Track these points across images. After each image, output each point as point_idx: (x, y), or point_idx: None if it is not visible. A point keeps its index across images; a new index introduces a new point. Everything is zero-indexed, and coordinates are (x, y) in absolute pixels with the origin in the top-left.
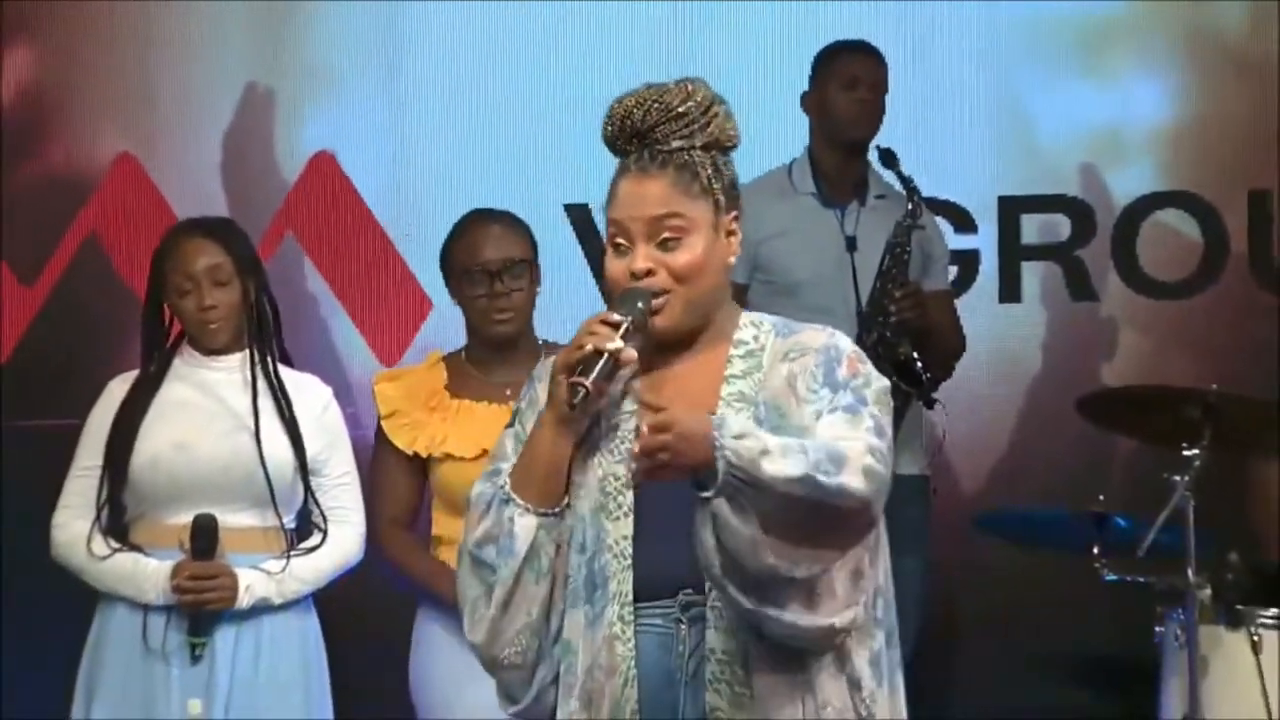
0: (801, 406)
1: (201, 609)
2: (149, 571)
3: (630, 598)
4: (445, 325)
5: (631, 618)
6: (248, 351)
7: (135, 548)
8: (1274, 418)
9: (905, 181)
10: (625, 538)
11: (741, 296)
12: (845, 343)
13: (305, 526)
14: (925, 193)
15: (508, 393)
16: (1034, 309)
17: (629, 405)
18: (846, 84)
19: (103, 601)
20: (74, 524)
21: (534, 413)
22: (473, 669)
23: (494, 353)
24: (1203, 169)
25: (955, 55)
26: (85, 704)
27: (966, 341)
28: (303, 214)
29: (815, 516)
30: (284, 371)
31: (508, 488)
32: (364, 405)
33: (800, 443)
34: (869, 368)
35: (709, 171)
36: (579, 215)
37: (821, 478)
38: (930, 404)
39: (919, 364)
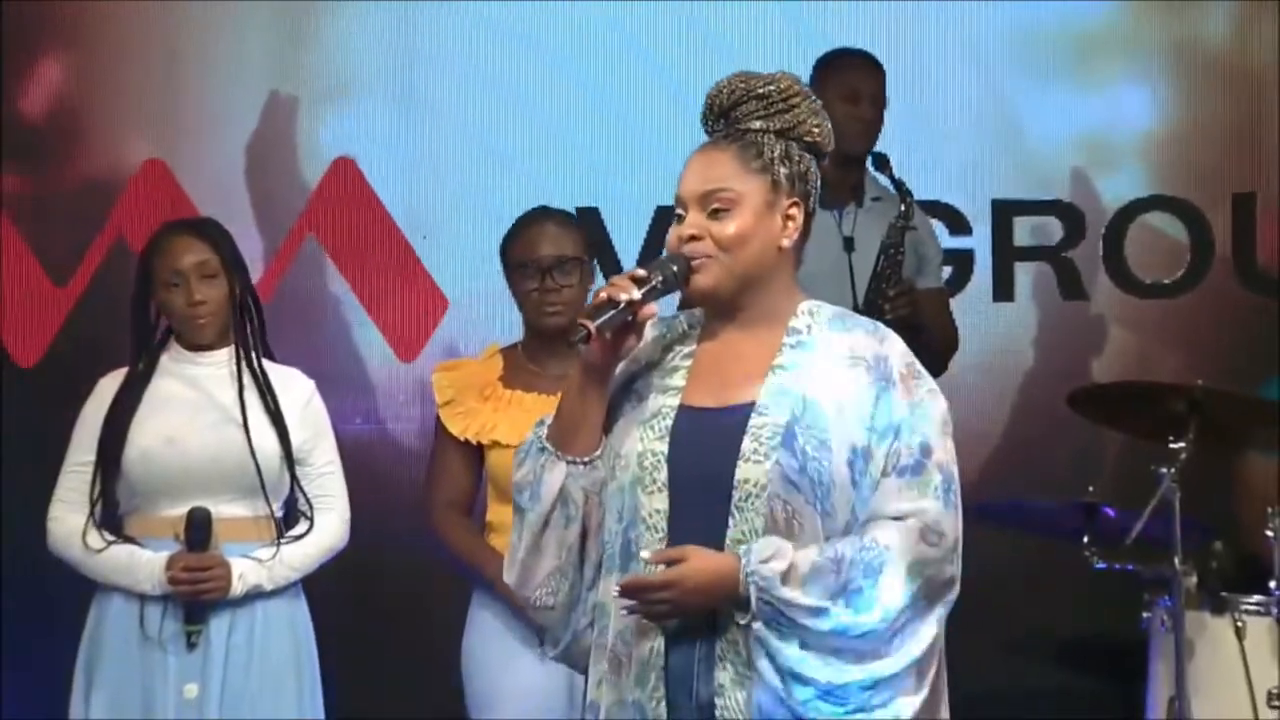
0: (850, 425)
1: (197, 598)
2: (144, 562)
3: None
4: (462, 323)
5: None
6: (233, 347)
7: (130, 540)
8: (1257, 412)
9: (898, 185)
10: (659, 511)
11: None
12: (895, 352)
13: (291, 515)
14: (922, 196)
15: (558, 384)
16: (1026, 308)
17: (678, 382)
18: (848, 97)
19: (99, 593)
20: (69, 518)
21: None
22: (520, 654)
23: (546, 345)
24: (1189, 174)
25: (951, 64)
26: (84, 692)
27: (960, 338)
28: (324, 217)
29: (850, 638)
30: (268, 366)
31: (543, 436)
32: (383, 401)
33: (835, 558)
34: (922, 386)
35: (775, 153)
36: (590, 219)
37: (844, 613)
38: None
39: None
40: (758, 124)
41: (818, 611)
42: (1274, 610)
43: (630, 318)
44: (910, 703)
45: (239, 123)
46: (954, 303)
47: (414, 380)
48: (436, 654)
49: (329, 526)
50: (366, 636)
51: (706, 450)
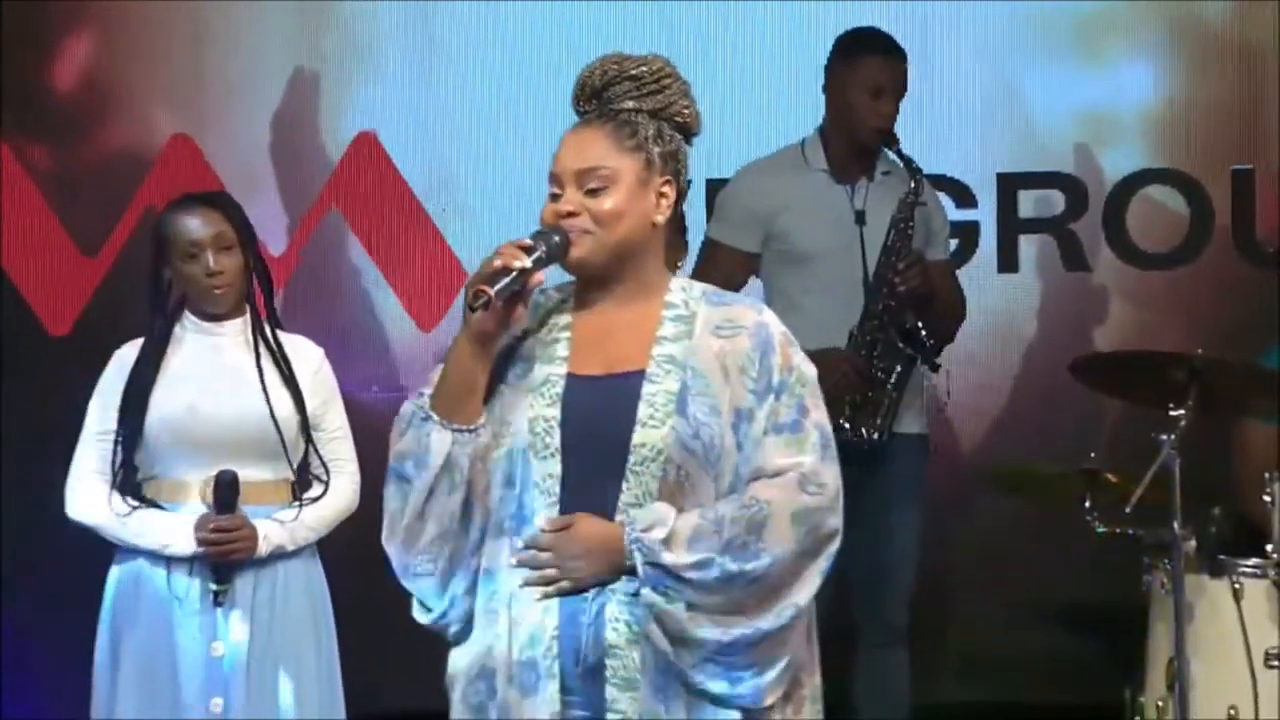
0: (734, 387)
1: (225, 559)
2: (172, 525)
3: None
4: None
5: None
6: (247, 316)
7: (152, 504)
8: (1255, 381)
9: (907, 162)
10: (552, 476)
11: (754, 265)
12: (774, 323)
13: (303, 478)
14: (930, 170)
15: None
16: (1030, 279)
17: (562, 351)
18: (871, 91)
19: (119, 557)
20: (90, 484)
21: None
22: None
23: None
24: (1188, 148)
25: (958, 43)
26: (110, 652)
27: (967, 308)
28: (346, 191)
29: (737, 588)
30: (279, 334)
31: (427, 406)
32: (404, 367)
33: (716, 519)
34: (798, 354)
35: (649, 132)
36: None
37: (730, 562)
38: (935, 368)
39: (923, 331)
40: (630, 104)
41: (703, 564)
42: (1271, 573)
43: (519, 287)
44: (794, 659)
45: (263, 99)
46: (959, 274)
47: (433, 349)
48: (406, 622)
49: (343, 489)
50: (377, 599)
51: (599, 416)
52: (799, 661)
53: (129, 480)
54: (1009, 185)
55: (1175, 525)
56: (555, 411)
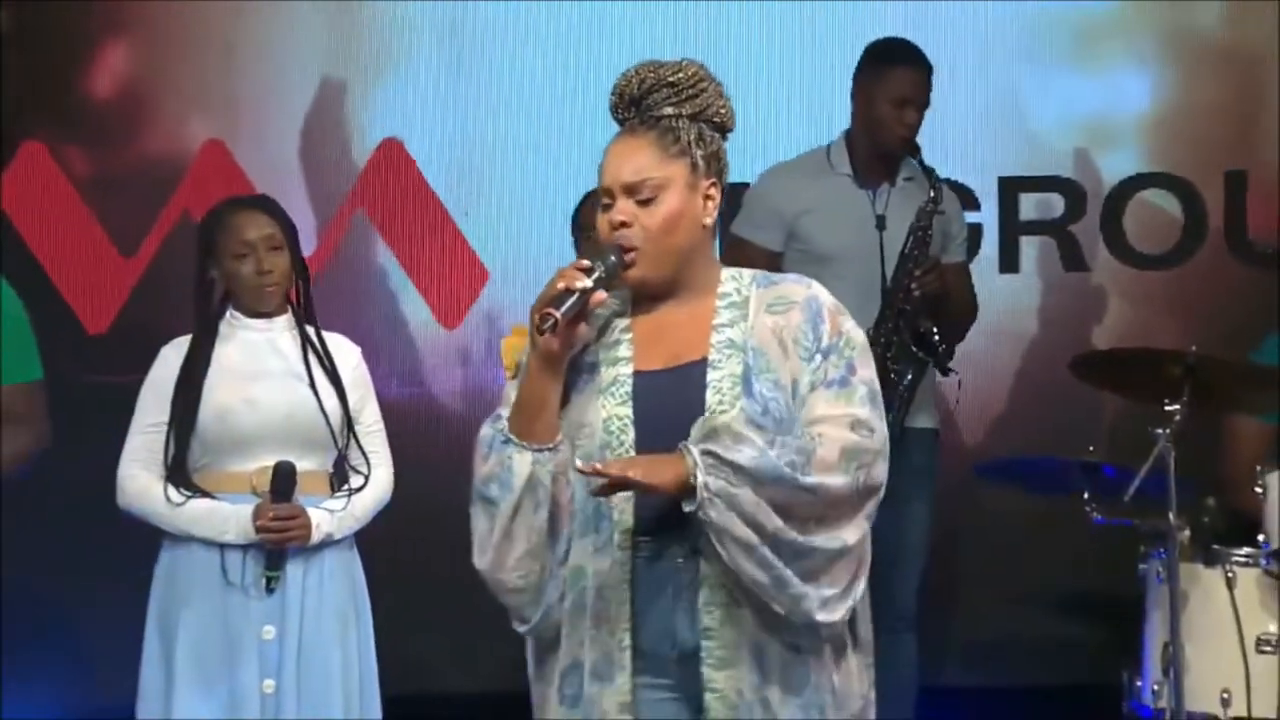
0: (792, 360)
1: (282, 546)
2: (228, 514)
3: (631, 527)
4: (500, 293)
5: (630, 545)
6: (291, 314)
7: (205, 494)
8: (1247, 377)
9: (928, 172)
10: None
11: (777, 263)
12: (823, 294)
13: (341, 470)
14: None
15: None
16: (1031, 279)
17: (625, 352)
18: (896, 102)
19: (169, 544)
20: (142, 475)
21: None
22: None
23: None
24: (1183, 152)
25: (961, 52)
26: (162, 637)
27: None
28: (373, 194)
29: (788, 488)
30: (321, 332)
31: (505, 429)
32: (428, 363)
33: (769, 440)
34: (848, 321)
35: (690, 136)
36: None
37: (782, 465)
38: (946, 373)
39: (936, 336)
40: (670, 110)
41: (758, 449)
42: (1262, 562)
43: (582, 306)
44: (833, 593)
45: (292, 106)
46: None
47: (455, 346)
48: (468, 599)
49: (382, 480)
50: (412, 586)
51: (669, 408)
52: (857, 612)
53: (181, 470)
54: (1010, 188)
55: (1170, 516)
56: (627, 410)
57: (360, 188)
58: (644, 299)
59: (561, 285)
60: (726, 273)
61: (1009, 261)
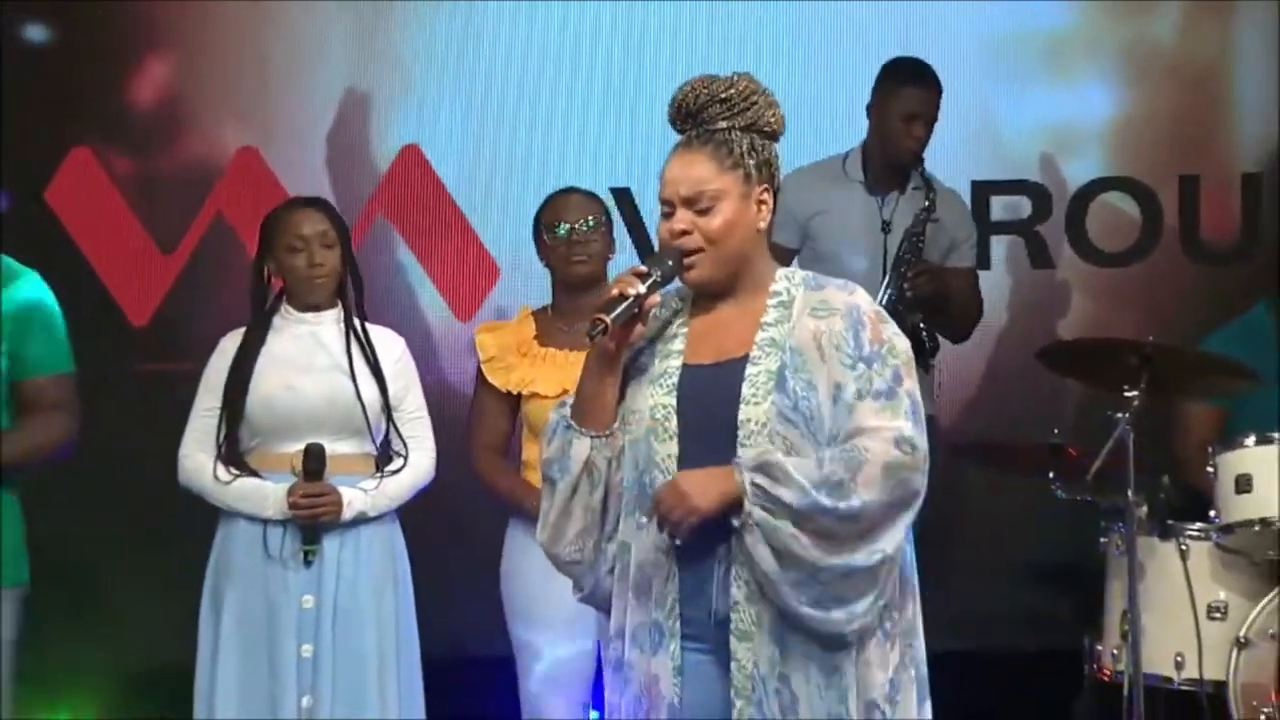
0: (830, 365)
1: (313, 521)
2: (268, 491)
3: None
4: (510, 288)
5: None
6: (340, 308)
7: (253, 473)
8: (1199, 365)
9: (926, 181)
10: (671, 456)
11: (790, 259)
12: (865, 301)
13: (386, 453)
14: None
15: (586, 341)
16: (1001, 275)
17: (679, 346)
18: (906, 117)
19: (223, 519)
20: (198, 455)
21: None
22: (552, 571)
23: (572, 303)
24: (1141, 158)
25: (934, 63)
26: (214, 606)
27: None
28: (393, 197)
29: (831, 519)
30: (368, 326)
31: (568, 416)
32: (445, 354)
33: (818, 457)
34: (889, 328)
35: (743, 148)
36: (623, 198)
37: (824, 497)
38: (927, 369)
39: (924, 333)
40: (724, 124)
41: (803, 490)
42: (1213, 536)
43: (637, 310)
44: (885, 598)
45: (320, 115)
46: None
47: (469, 336)
48: (479, 578)
49: (420, 463)
50: (457, 557)
51: (709, 399)
52: (890, 601)
53: (232, 452)
54: (981, 192)
55: (1129, 493)
56: (671, 399)
57: (381, 191)
58: (703, 298)
59: (615, 291)
60: (781, 272)
61: (980, 259)
